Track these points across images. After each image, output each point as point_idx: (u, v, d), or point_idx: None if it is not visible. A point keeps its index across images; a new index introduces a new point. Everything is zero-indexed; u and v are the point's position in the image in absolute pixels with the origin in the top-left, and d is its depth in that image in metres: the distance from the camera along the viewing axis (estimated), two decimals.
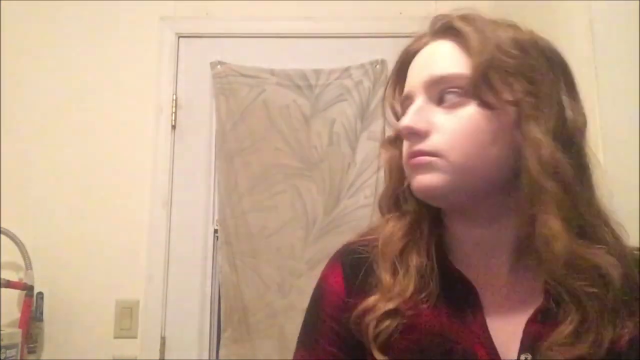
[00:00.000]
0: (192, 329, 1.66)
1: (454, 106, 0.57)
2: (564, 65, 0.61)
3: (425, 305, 0.59)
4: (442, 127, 0.57)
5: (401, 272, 0.60)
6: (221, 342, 1.63)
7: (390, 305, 0.59)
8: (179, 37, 1.82)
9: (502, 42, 0.58)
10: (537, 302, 0.57)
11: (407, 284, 0.59)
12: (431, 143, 0.57)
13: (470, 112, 0.56)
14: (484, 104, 0.56)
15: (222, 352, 1.63)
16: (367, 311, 0.60)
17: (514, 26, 0.63)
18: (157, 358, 1.62)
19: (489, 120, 0.56)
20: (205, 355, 1.65)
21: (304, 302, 1.84)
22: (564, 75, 0.59)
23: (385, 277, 0.60)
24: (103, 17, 1.83)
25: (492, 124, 0.56)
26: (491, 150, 0.55)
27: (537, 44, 0.60)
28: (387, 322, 0.59)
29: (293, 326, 1.62)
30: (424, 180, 0.57)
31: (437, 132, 0.57)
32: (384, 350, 0.59)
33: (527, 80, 0.56)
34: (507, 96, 0.55)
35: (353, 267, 0.66)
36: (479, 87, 0.56)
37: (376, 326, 0.60)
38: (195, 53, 1.81)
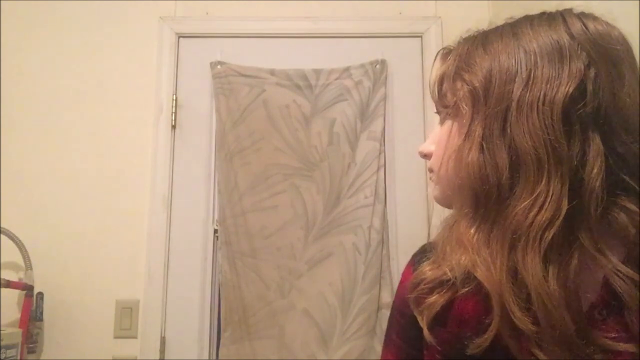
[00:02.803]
0: (192, 329, 1.66)
1: (441, 123, 0.62)
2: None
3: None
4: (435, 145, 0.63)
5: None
6: (221, 342, 1.63)
7: (439, 272, 0.56)
8: (179, 37, 1.82)
9: (461, 53, 0.58)
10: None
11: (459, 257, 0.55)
12: (430, 161, 0.64)
13: (447, 125, 0.59)
14: (449, 114, 0.58)
15: (222, 352, 1.63)
16: (419, 282, 0.58)
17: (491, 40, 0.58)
18: (157, 358, 1.62)
19: (459, 129, 0.57)
20: (205, 355, 1.65)
21: (304, 302, 1.85)
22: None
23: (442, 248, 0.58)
24: (103, 17, 1.83)
25: (461, 133, 0.56)
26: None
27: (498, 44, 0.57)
28: (435, 296, 0.57)
29: (293, 326, 1.62)
30: (431, 193, 0.63)
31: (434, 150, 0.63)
32: (432, 329, 0.57)
33: (466, 82, 0.56)
34: (450, 100, 0.57)
35: (422, 263, 0.63)
36: (438, 97, 0.59)
37: (424, 299, 0.58)
38: (195, 53, 1.81)
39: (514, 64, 0.53)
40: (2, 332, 1.46)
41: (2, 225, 1.64)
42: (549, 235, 0.49)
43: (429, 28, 1.81)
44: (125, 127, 1.77)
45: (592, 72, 0.51)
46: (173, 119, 1.76)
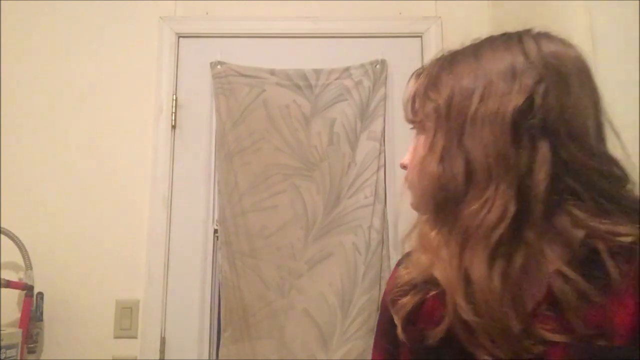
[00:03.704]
0: (192, 329, 1.66)
1: (415, 136, 0.67)
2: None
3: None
4: None
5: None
6: (221, 342, 1.63)
7: (412, 275, 0.62)
8: (179, 37, 1.82)
9: (430, 73, 0.63)
10: None
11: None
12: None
13: (417, 139, 0.65)
14: (419, 129, 0.64)
15: (222, 352, 1.63)
16: (395, 285, 0.65)
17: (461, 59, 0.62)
18: (157, 358, 1.63)
19: (425, 143, 0.62)
20: (205, 355, 1.65)
21: (303, 302, 1.85)
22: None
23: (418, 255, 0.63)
24: (103, 17, 1.83)
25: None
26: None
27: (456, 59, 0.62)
28: (408, 297, 0.63)
29: (293, 326, 1.62)
30: (407, 201, 0.67)
31: None
32: (405, 328, 0.63)
33: (432, 101, 0.61)
34: (419, 116, 0.63)
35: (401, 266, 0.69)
36: (410, 113, 0.65)
37: (397, 297, 0.64)
38: (195, 53, 1.81)
39: (472, 83, 0.58)
40: (2, 332, 1.46)
41: (2, 225, 1.64)
42: (496, 235, 0.53)
43: (429, 28, 1.81)
44: (125, 127, 1.77)
45: (541, 88, 0.55)
46: (173, 119, 1.76)
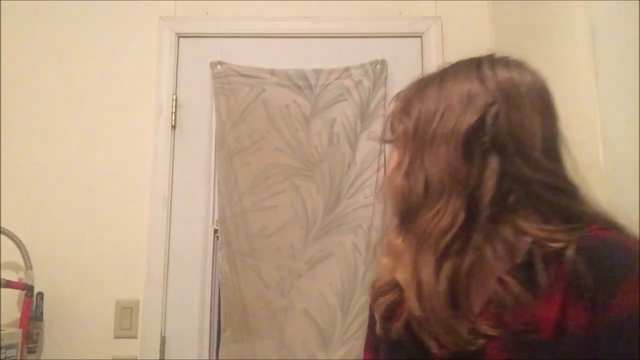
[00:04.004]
0: (192, 329, 1.66)
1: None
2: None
3: None
4: None
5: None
6: (221, 342, 1.63)
7: (390, 277, 0.69)
8: (179, 37, 1.82)
9: (405, 97, 0.70)
10: None
11: None
12: None
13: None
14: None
15: (222, 352, 1.63)
16: (374, 285, 0.73)
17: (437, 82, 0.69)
18: (157, 358, 1.63)
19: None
20: (205, 355, 1.65)
21: (303, 302, 1.85)
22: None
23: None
24: (103, 17, 1.83)
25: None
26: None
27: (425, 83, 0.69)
28: (387, 296, 0.70)
29: (293, 326, 1.62)
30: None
31: None
32: (383, 325, 0.70)
33: (403, 123, 0.68)
34: (393, 136, 0.70)
35: None
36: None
37: (377, 296, 0.72)
38: (195, 53, 1.81)
39: (435, 107, 0.65)
40: (2, 332, 1.46)
41: (2, 225, 1.64)
42: (444, 242, 0.60)
43: (429, 28, 1.81)
44: (125, 127, 1.77)
45: (493, 109, 0.62)
46: (173, 119, 1.76)
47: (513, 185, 0.60)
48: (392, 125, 0.71)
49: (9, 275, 1.64)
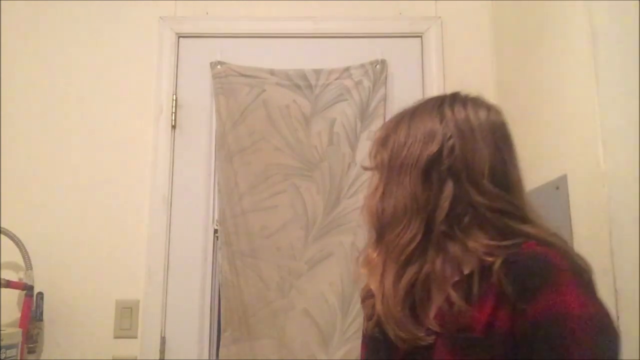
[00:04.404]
0: (192, 329, 1.66)
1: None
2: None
3: None
4: None
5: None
6: (221, 342, 1.64)
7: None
8: (179, 37, 1.82)
9: (386, 128, 0.81)
10: None
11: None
12: None
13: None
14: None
15: (222, 352, 1.63)
16: (364, 288, 0.85)
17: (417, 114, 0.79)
18: (157, 358, 1.63)
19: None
20: (205, 355, 1.66)
21: (303, 302, 1.85)
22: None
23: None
24: (103, 17, 1.83)
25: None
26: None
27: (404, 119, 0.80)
28: (370, 299, 0.81)
29: (293, 326, 1.62)
30: None
31: None
32: (366, 324, 0.83)
33: (381, 154, 0.79)
34: (373, 165, 0.81)
35: None
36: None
37: (364, 299, 0.85)
38: (195, 53, 1.81)
39: (405, 140, 0.76)
40: (2, 332, 1.46)
41: (2, 225, 1.64)
42: (405, 255, 0.72)
43: (429, 28, 1.81)
44: (125, 127, 1.77)
45: (450, 142, 0.73)
46: (173, 119, 1.76)
47: (464, 208, 0.71)
48: (374, 154, 0.82)
49: (9, 275, 1.64)
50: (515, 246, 0.68)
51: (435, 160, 0.72)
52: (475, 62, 1.79)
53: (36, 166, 1.74)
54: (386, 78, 1.77)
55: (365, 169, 0.85)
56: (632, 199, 1.02)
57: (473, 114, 0.75)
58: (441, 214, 0.71)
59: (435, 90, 1.74)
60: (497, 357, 0.64)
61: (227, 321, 1.63)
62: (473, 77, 1.77)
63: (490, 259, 0.68)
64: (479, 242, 0.69)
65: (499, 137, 0.75)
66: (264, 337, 1.62)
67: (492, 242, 0.69)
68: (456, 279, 0.71)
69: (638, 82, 1.05)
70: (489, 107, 0.77)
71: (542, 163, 1.35)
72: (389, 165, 0.77)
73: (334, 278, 1.64)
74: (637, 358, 0.94)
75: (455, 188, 0.71)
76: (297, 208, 1.69)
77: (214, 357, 1.66)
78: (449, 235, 0.71)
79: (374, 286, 0.76)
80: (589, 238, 1.11)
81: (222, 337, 1.64)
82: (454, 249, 0.71)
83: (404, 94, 1.77)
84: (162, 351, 1.64)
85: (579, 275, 0.64)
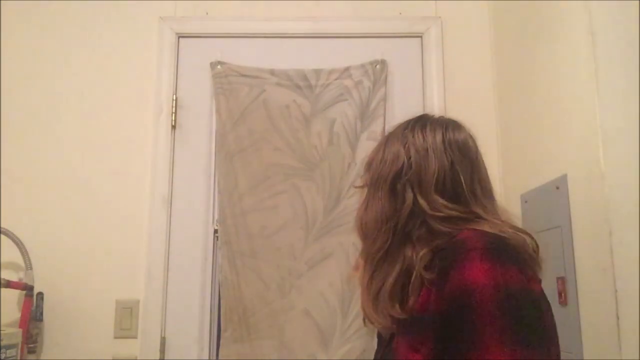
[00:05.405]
0: (192, 329, 1.66)
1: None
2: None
3: None
4: None
5: None
6: (221, 342, 1.64)
7: None
8: (179, 37, 1.82)
9: (375, 149, 0.92)
10: None
11: None
12: None
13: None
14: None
15: (222, 352, 1.63)
16: None
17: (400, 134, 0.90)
18: (157, 358, 1.63)
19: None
20: (205, 355, 1.66)
21: (304, 302, 1.85)
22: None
23: None
24: (103, 17, 1.83)
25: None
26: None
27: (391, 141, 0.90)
28: None
29: (293, 326, 1.62)
30: None
31: None
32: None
33: (369, 172, 0.90)
34: (361, 182, 0.93)
35: None
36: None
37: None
38: (195, 53, 1.81)
39: (380, 163, 0.88)
40: (2, 332, 1.46)
41: (2, 225, 1.64)
42: (377, 256, 0.83)
43: (429, 28, 1.81)
44: (125, 127, 1.77)
45: (410, 161, 0.84)
46: (173, 119, 1.76)
47: (418, 216, 0.81)
48: (362, 174, 0.94)
49: (9, 275, 1.64)
50: (447, 237, 0.78)
51: (398, 175, 0.84)
52: (475, 62, 1.79)
53: (36, 166, 1.74)
54: (386, 78, 1.77)
55: (356, 187, 1.00)
56: (632, 199, 1.02)
57: (430, 135, 0.86)
58: (401, 222, 0.82)
59: (435, 90, 1.75)
60: (431, 333, 0.72)
61: (227, 321, 1.63)
62: (473, 77, 1.77)
63: (428, 254, 0.78)
64: (424, 244, 0.79)
65: (454, 151, 0.85)
66: (264, 337, 1.62)
67: (434, 242, 0.78)
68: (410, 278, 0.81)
69: (638, 82, 1.05)
70: (447, 126, 0.88)
71: (542, 163, 1.35)
72: (370, 183, 0.89)
73: (334, 278, 1.64)
74: (637, 358, 0.94)
75: (413, 200, 0.82)
76: (297, 208, 1.69)
77: (214, 357, 1.66)
78: (407, 240, 0.81)
79: (361, 287, 0.88)
80: (589, 238, 1.11)
81: (222, 337, 1.64)
82: (407, 252, 0.81)
83: (404, 94, 1.77)
84: (162, 351, 1.64)
85: (491, 251, 0.70)
